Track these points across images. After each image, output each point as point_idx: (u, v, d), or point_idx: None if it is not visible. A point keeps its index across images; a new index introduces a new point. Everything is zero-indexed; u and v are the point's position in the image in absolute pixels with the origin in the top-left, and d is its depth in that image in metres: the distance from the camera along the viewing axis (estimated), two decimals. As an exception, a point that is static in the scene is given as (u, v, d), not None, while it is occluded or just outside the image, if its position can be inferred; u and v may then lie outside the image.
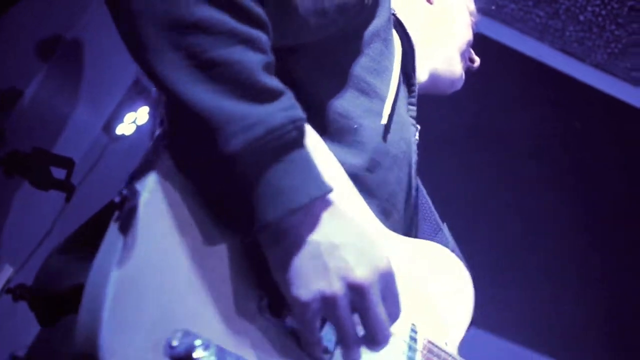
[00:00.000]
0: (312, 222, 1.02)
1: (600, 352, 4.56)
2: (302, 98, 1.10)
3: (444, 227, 1.60)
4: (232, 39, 0.98)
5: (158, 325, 0.91)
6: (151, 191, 0.94)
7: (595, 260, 4.54)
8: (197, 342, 0.92)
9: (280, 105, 1.00)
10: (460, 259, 1.48)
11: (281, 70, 1.10)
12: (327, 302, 1.01)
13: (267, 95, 0.99)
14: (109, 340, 0.86)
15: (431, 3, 1.76)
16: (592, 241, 4.52)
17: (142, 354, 0.89)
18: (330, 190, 1.03)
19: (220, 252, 1.02)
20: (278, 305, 1.06)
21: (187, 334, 0.92)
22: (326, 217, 1.03)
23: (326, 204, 1.04)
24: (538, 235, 4.50)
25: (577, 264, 4.55)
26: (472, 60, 1.85)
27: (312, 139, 1.13)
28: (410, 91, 1.53)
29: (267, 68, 1.01)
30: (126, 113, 4.07)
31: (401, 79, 1.46)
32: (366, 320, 1.05)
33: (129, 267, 0.90)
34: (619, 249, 4.54)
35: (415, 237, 1.52)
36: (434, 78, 1.72)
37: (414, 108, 1.53)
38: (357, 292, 1.02)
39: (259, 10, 1.03)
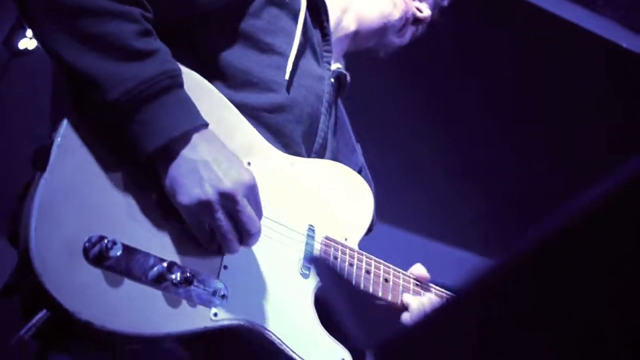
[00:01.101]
0: (190, 147, 1.31)
1: (506, 242, 4.82)
2: (207, 59, 1.52)
3: (358, 148, 1.92)
4: (107, 15, 1.28)
5: (76, 232, 1.22)
6: (63, 136, 1.28)
7: (501, 156, 4.70)
8: (106, 241, 1.22)
9: (153, 61, 1.30)
10: (367, 179, 1.75)
11: (185, 36, 1.51)
12: (204, 205, 1.30)
13: (141, 55, 1.29)
14: (36, 243, 1.19)
15: None
16: (497, 140, 4.67)
17: (62, 256, 1.20)
18: (203, 123, 1.33)
19: (125, 175, 1.32)
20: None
21: (99, 237, 1.23)
22: (201, 142, 1.32)
23: (202, 133, 1.33)
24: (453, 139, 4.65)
25: (484, 162, 4.72)
26: (419, 10, 1.93)
27: (202, 87, 1.45)
28: (325, 40, 1.77)
29: (141, 34, 1.31)
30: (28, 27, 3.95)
31: (312, 36, 1.72)
32: (239, 217, 1.33)
33: (49, 190, 1.23)
34: (521, 145, 4.67)
35: (334, 158, 1.77)
36: (358, 26, 1.89)
37: (330, 55, 1.77)
38: (226, 197, 1.31)
39: None
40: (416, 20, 1.93)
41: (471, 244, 5.21)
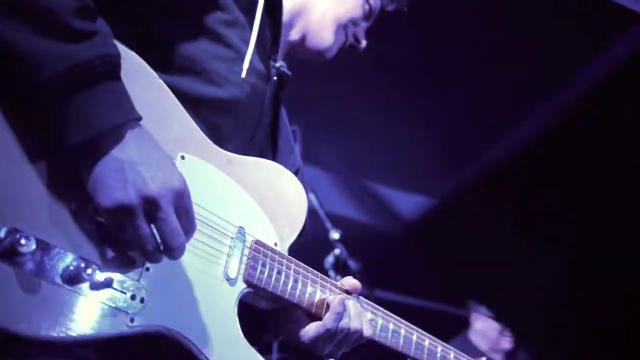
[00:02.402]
0: (118, 143, 1.20)
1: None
2: (152, 39, 1.41)
3: (296, 148, 1.91)
4: None
5: None
6: None
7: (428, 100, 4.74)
8: (19, 235, 1.11)
9: (90, 44, 1.18)
10: (302, 181, 1.67)
11: (131, 10, 1.39)
12: (125, 210, 1.19)
13: (78, 36, 1.17)
14: None
15: None
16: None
17: None
18: (137, 118, 1.22)
19: (47, 165, 1.20)
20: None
21: (11, 230, 1.12)
22: (131, 140, 1.21)
23: (133, 129, 1.22)
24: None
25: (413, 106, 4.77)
26: (357, 40, 1.95)
27: (140, 70, 1.34)
28: (275, 43, 1.73)
29: (80, 12, 1.18)
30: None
31: (264, 34, 1.65)
32: (160, 229, 1.22)
33: None
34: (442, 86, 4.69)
35: (272, 158, 1.73)
36: (303, 39, 1.88)
37: (277, 54, 1.75)
38: (150, 203, 1.20)
39: None
40: (351, 47, 1.96)
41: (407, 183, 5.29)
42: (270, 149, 1.76)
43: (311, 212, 3.50)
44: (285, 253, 1.55)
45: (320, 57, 1.89)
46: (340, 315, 1.50)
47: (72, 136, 1.16)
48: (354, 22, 1.91)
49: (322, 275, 1.59)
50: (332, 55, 1.90)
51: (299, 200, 1.63)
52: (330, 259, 3.43)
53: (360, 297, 1.62)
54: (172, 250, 1.25)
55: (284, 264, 1.51)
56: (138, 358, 1.32)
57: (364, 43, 1.96)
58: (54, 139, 1.18)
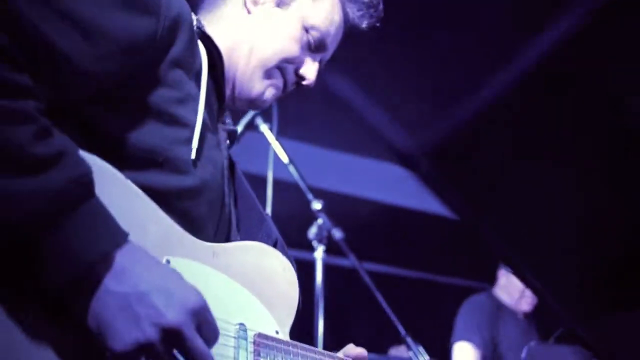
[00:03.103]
0: (114, 273, 1.08)
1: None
2: (106, 140, 1.25)
3: (267, 217, 1.74)
4: None
5: None
6: None
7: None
8: None
9: (58, 168, 1.05)
10: (283, 251, 1.61)
11: (76, 118, 1.22)
12: (144, 349, 1.07)
13: (43, 165, 1.04)
14: None
15: (249, 12, 1.67)
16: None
17: None
18: (125, 236, 1.11)
19: (32, 318, 1.07)
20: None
21: None
22: (128, 265, 1.10)
23: (125, 251, 1.10)
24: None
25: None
26: (301, 77, 1.72)
27: (105, 173, 1.20)
28: (220, 107, 1.60)
29: (40, 134, 1.06)
30: None
31: (211, 97, 1.52)
32: (188, 356, 1.12)
33: None
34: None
35: (238, 231, 1.64)
36: (233, 90, 1.68)
37: (225, 114, 1.63)
38: (171, 335, 1.09)
39: (18, 78, 1.06)
40: (297, 85, 1.75)
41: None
42: (236, 224, 1.63)
43: (293, 186, 3.51)
44: (287, 338, 1.52)
45: (256, 106, 1.72)
46: None
47: (55, 277, 1.04)
48: (289, 61, 1.67)
49: (329, 353, 1.57)
50: (269, 101, 1.70)
51: (289, 278, 1.57)
52: (313, 230, 3.43)
53: None
54: None
55: (290, 351, 1.48)
56: None
57: (310, 80, 1.71)
58: (42, 285, 1.05)
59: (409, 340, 3.12)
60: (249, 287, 1.47)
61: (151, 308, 1.07)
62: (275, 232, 1.71)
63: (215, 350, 1.26)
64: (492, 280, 4.87)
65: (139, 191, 1.27)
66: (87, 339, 1.09)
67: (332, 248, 3.58)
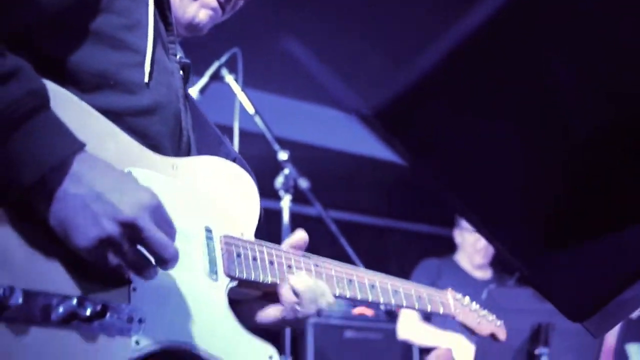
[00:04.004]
0: (72, 177, 1.16)
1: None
2: (57, 66, 1.31)
3: (225, 140, 1.80)
4: None
5: None
6: None
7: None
8: (2, 290, 1.08)
9: (15, 82, 1.13)
10: (243, 165, 1.67)
11: (27, 47, 1.27)
12: (107, 243, 1.16)
13: (1, 79, 1.12)
14: None
15: None
16: None
17: None
18: (81, 145, 1.18)
19: (4, 218, 1.15)
20: None
21: None
22: (84, 170, 1.17)
23: (81, 157, 1.18)
24: None
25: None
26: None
27: (60, 96, 1.25)
28: (168, 30, 1.60)
29: None
30: None
31: (159, 25, 1.54)
32: (149, 247, 1.20)
33: None
34: None
35: (198, 153, 1.66)
36: (175, 19, 1.68)
37: (174, 45, 1.62)
38: (130, 227, 1.17)
39: None
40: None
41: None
42: (196, 147, 1.67)
43: (259, 136, 3.55)
44: (253, 239, 1.58)
45: (195, 30, 1.72)
46: (292, 306, 1.55)
47: (17, 181, 1.11)
48: None
49: (293, 251, 1.64)
50: (207, 23, 1.71)
51: (249, 186, 1.62)
52: (280, 180, 3.48)
53: (307, 254, 1.67)
54: (167, 262, 1.23)
55: (256, 249, 1.55)
56: None
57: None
58: (5, 189, 1.13)
59: (373, 284, 3.22)
60: (210, 197, 1.53)
61: (107, 205, 1.15)
62: (234, 152, 1.78)
63: (183, 250, 1.32)
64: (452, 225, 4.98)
65: (94, 111, 1.33)
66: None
67: (298, 197, 3.65)
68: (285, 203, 3.57)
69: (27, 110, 1.13)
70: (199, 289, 1.40)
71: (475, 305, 2.16)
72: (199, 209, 1.49)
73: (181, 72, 1.64)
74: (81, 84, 1.34)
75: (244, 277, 1.49)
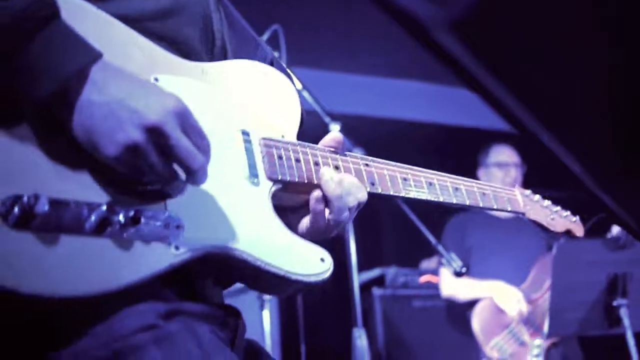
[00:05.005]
0: (93, 86, 1.10)
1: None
2: None
3: (262, 42, 1.69)
4: None
5: None
6: None
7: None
8: (26, 198, 1.03)
9: None
10: (280, 68, 1.57)
11: None
12: (133, 151, 1.11)
13: None
14: None
15: None
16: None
17: None
18: (99, 54, 1.12)
19: (23, 127, 1.11)
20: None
21: (14, 197, 1.04)
22: (105, 78, 1.12)
23: (101, 66, 1.12)
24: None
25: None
26: None
27: (73, 5, 1.19)
28: None
29: None
30: None
31: None
32: (175, 155, 1.15)
33: None
34: None
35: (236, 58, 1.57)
36: None
37: None
38: (156, 133, 1.12)
39: None
40: None
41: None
42: (232, 50, 1.59)
43: (309, 112, 3.51)
44: (295, 141, 1.47)
45: None
46: (322, 214, 1.42)
47: (36, 93, 1.06)
48: None
49: (341, 151, 1.52)
50: None
51: (287, 88, 1.53)
52: (335, 152, 3.44)
53: (358, 155, 1.55)
54: (195, 173, 1.17)
55: (299, 150, 1.44)
56: (195, 288, 1.31)
57: None
58: (23, 100, 1.09)
59: (440, 248, 3.17)
60: (246, 100, 1.45)
61: (132, 112, 1.11)
62: (271, 54, 1.68)
63: (219, 155, 1.28)
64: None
65: (114, 19, 1.26)
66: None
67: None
68: (342, 176, 3.52)
69: (40, 20, 1.07)
70: (240, 194, 1.32)
71: (546, 202, 1.95)
72: (233, 113, 1.41)
73: None
74: None
75: (287, 179, 1.39)
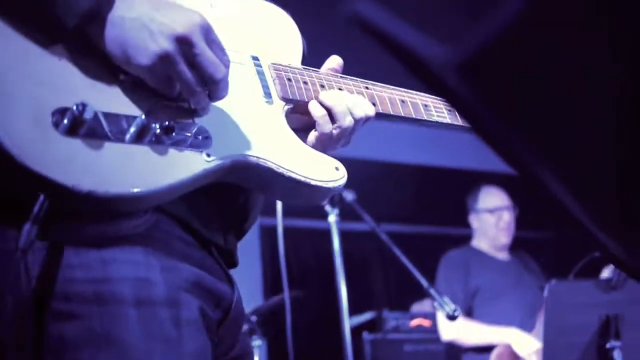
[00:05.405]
0: (122, 3, 1.23)
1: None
2: None
3: None
4: None
5: (38, 107, 1.16)
6: None
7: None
8: (75, 107, 1.15)
9: None
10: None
11: None
12: (164, 59, 1.23)
13: None
14: (1, 127, 1.12)
15: None
16: None
17: (36, 135, 1.14)
18: None
19: (60, 48, 1.24)
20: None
21: (63, 108, 1.17)
22: None
23: None
24: None
25: None
26: None
27: None
28: None
29: None
30: None
31: None
32: (201, 63, 1.26)
33: None
34: None
35: None
36: None
37: None
38: (183, 43, 1.24)
39: None
40: None
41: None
42: None
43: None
44: (301, 67, 1.61)
45: None
46: (324, 122, 1.53)
47: (76, 7, 1.18)
48: None
49: (342, 75, 1.65)
50: None
51: (288, 21, 1.68)
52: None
53: (361, 79, 1.67)
54: (218, 82, 1.29)
55: (305, 74, 1.59)
56: (223, 197, 1.41)
57: None
58: (57, 22, 1.19)
59: (432, 291, 3.14)
60: (251, 30, 1.58)
61: (162, 24, 1.22)
62: None
63: (234, 76, 1.40)
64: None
65: None
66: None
67: (345, 214, 3.59)
68: (333, 218, 3.52)
69: None
70: (258, 111, 1.46)
71: None
72: (242, 40, 1.55)
73: None
74: None
75: (298, 98, 1.52)
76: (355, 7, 0.47)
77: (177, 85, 1.28)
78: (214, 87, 1.30)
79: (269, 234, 5.28)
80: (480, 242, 4.66)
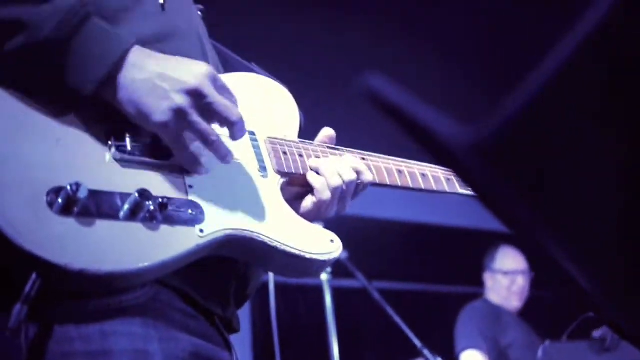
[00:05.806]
0: (134, 67, 1.28)
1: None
2: None
3: (254, 66, 1.82)
4: None
5: (33, 190, 1.18)
6: None
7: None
8: (69, 187, 1.17)
9: None
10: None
11: None
12: (179, 115, 1.28)
13: None
14: None
15: None
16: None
17: (30, 216, 1.16)
18: (133, 42, 1.30)
19: (54, 122, 1.27)
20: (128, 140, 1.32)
21: (58, 187, 1.18)
22: (143, 59, 1.30)
23: (137, 51, 1.30)
24: None
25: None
26: None
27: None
28: None
29: None
30: None
31: None
32: (216, 112, 1.31)
33: None
34: None
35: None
36: None
37: None
38: (196, 95, 1.29)
39: None
40: None
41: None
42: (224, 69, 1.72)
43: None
44: (297, 139, 1.63)
45: None
46: (321, 188, 1.53)
47: (87, 79, 1.23)
48: None
49: (334, 146, 1.67)
50: None
51: (285, 95, 1.70)
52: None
53: (343, 149, 1.68)
54: (235, 124, 1.33)
55: (301, 147, 1.61)
56: (215, 271, 1.40)
57: None
58: (67, 92, 1.24)
59: (426, 352, 3.11)
60: (249, 104, 1.57)
61: (172, 80, 1.28)
62: (265, 74, 1.81)
63: (234, 149, 1.42)
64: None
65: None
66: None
67: (337, 272, 3.57)
68: (325, 277, 3.50)
69: (83, 17, 1.24)
70: (253, 185, 1.47)
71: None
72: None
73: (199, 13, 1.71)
74: (106, 11, 1.38)
75: (293, 171, 1.54)
76: (369, 83, 0.48)
77: (190, 145, 1.31)
78: (232, 129, 1.34)
79: (258, 290, 5.23)
80: (493, 297, 4.62)
